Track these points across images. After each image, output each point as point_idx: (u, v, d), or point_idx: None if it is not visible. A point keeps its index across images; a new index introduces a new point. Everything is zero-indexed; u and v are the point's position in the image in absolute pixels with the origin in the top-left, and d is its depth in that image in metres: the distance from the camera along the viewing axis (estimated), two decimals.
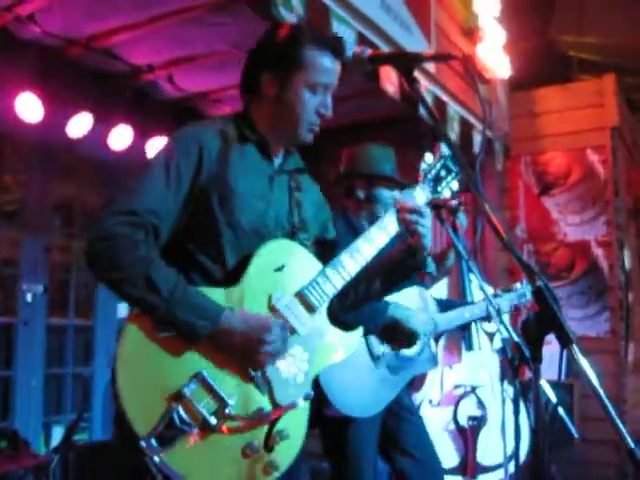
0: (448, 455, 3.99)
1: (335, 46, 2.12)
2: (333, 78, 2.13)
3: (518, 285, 3.51)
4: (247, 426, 1.90)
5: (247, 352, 1.92)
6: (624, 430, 1.49)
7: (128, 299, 1.87)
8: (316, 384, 2.86)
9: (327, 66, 2.10)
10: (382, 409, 3.04)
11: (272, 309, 2.00)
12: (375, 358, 3.04)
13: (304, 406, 2.03)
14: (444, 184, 2.32)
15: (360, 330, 2.23)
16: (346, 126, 4.92)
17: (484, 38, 5.56)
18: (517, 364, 2.82)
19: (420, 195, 2.26)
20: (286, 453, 1.97)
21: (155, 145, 5.50)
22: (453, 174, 2.32)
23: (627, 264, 6.32)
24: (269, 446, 1.91)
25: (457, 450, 4.02)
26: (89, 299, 6.05)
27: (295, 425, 2.00)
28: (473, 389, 4.05)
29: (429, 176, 2.30)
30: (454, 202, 3.45)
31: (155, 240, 1.94)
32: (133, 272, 1.83)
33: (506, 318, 3.16)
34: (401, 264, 2.26)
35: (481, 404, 4.04)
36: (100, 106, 5.07)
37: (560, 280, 6.19)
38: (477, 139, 5.57)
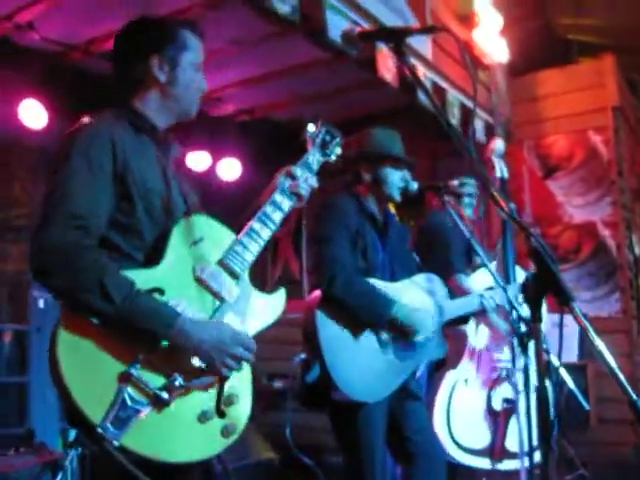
0: (478, 437, 3.97)
1: (199, 27, 2.26)
2: (202, 57, 2.28)
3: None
4: (196, 388, 1.95)
5: (211, 360, 1.95)
6: (627, 385, 1.51)
7: (81, 307, 1.84)
8: (323, 367, 2.90)
9: (200, 46, 2.25)
10: (389, 394, 3.05)
11: (198, 279, 2.03)
12: (382, 344, 3.05)
13: (247, 368, 2.10)
14: (331, 147, 2.44)
15: (283, 292, 2.27)
16: (346, 119, 4.95)
17: (480, 23, 5.58)
18: (527, 341, 2.86)
19: (312, 160, 2.39)
20: (239, 415, 2.04)
21: None
22: (337, 139, 2.45)
23: (635, 244, 6.31)
24: (220, 411, 1.98)
25: (488, 432, 3.99)
26: None
27: (241, 387, 2.07)
28: (510, 373, 4.03)
29: (317, 141, 2.42)
30: (455, 184, 3.46)
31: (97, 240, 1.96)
32: (84, 281, 1.83)
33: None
34: None
35: (517, 389, 4.02)
36: (103, 110, 5.10)
37: (568, 262, 6.19)
38: (478, 124, 5.58)
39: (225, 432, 1.99)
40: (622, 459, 5.64)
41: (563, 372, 3.41)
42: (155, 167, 2.14)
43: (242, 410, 2.06)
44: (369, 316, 2.99)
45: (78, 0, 4.04)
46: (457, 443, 3.90)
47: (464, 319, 3.49)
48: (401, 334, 3.04)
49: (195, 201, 2.31)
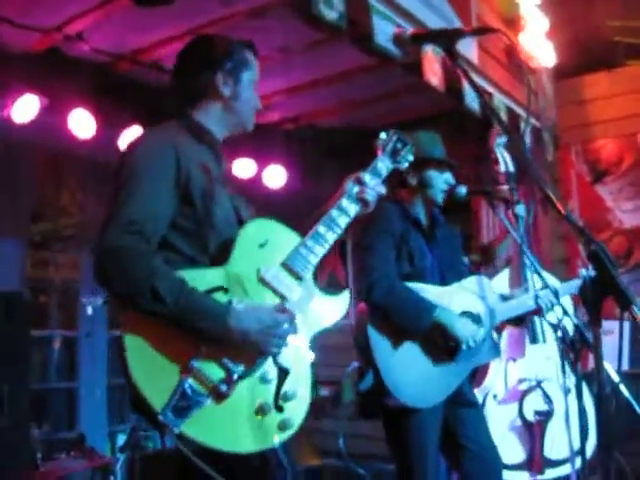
0: (514, 451, 3.92)
1: (255, 47, 2.39)
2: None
3: (582, 271, 3.38)
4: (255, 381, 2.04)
5: (259, 345, 2.03)
6: None
7: (139, 310, 1.95)
8: (376, 374, 2.89)
9: (257, 65, 2.39)
10: (444, 400, 3.02)
11: (261, 280, 2.12)
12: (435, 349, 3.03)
13: (307, 367, 2.16)
14: (402, 155, 2.46)
15: (347, 294, 2.32)
16: (392, 125, 4.92)
17: (526, 27, 5.52)
18: (579, 348, 2.79)
19: (382, 167, 2.42)
20: (296, 412, 2.09)
21: None
22: (408, 146, 2.46)
23: None
24: (278, 406, 2.04)
25: (523, 446, 3.93)
26: None
27: (301, 385, 2.13)
28: (539, 383, 3.96)
29: (387, 149, 2.45)
30: (505, 189, 3.41)
31: (155, 244, 2.06)
32: (138, 285, 1.93)
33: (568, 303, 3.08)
34: None
35: (547, 398, 3.94)
36: (151, 119, 5.16)
37: (619, 268, 6.08)
38: (525, 129, 5.51)
39: (282, 426, 2.05)
40: None
41: (615, 378, 3.33)
42: (215, 181, 2.21)
43: (299, 407, 2.11)
44: (410, 321, 2.98)
45: (127, 11, 4.08)
46: None
47: (519, 319, 3.44)
48: (445, 341, 3.01)
49: (250, 207, 2.41)
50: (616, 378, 3.38)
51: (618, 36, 6.87)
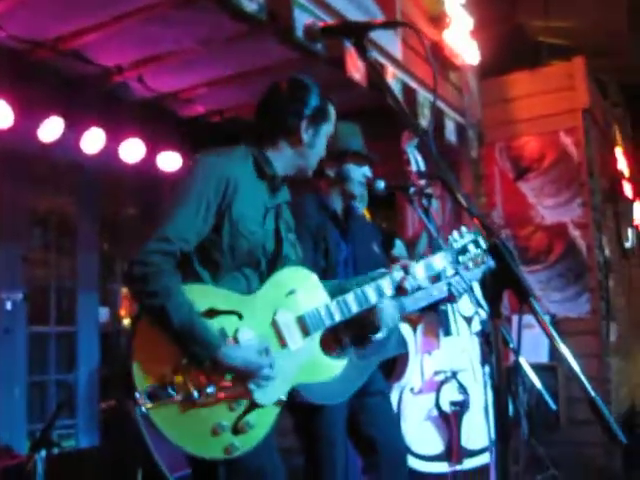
0: (433, 442, 3.98)
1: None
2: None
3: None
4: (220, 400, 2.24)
5: (243, 376, 2.26)
6: (586, 382, 1.50)
7: (151, 315, 2.21)
8: None
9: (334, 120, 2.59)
10: (351, 395, 3.02)
11: (273, 322, 2.36)
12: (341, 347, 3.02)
13: (274, 408, 2.35)
14: (468, 256, 2.65)
15: (345, 361, 2.55)
16: None
17: (451, 25, 5.59)
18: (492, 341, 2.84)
19: (440, 261, 2.65)
20: (247, 440, 2.26)
21: (128, 148, 5.47)
22: (481, 251, 2.63)
23: (605, 245, 6.36)
24: (237, 429, 2.24)
25: (441, 436, 4.00)
26: (70, 306, 6.03)
27: (262, 421, 2.31)
28: (454, 374, 4.03)
29: (455, 245, 2.66)
30: (423, 184, 3.43)
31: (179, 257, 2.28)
32: (153, 301, 2.16)
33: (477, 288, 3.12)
34: None
35: (463, 389, 4.01)
36: (71, 109, 5.04)
37: (539, 264, 6.23)
38: (449, 125, 5.59)
39: (228, 449, 2.23)
40: (592, 459, 5.68)
41: (531, 372, 3.40)
42: (259, 213, 2.41)
43: (251, 439, 2.28)
44: None
45: None
46: (413, 453, 3.90)
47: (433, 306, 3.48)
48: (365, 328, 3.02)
49: (297, 246, 2.64)
50: (531, 372, 3.44)
51: (541, 36, 7.04)
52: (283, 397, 2.37)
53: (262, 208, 2.43)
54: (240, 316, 2.29)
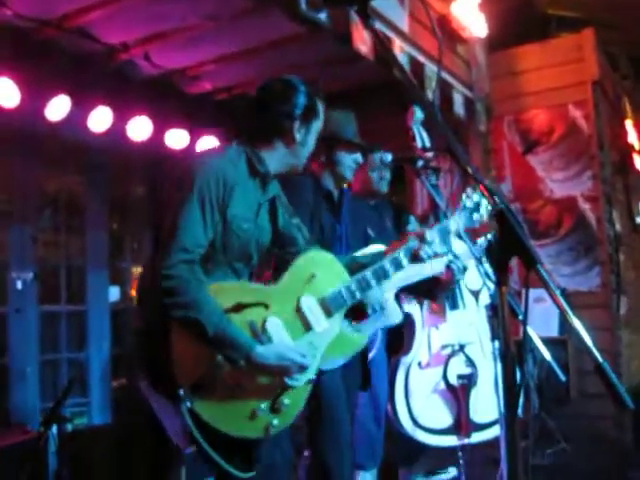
0: (441, 415, 3.99)
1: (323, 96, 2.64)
2: None
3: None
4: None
5: (277, 372, 2.41)
6: (595, 350, 1.50)
7: (185, 325, 2.31)
8: None
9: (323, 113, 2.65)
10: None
11: (297, 308, 2.50)
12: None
13: (306, 387, 2.51)
14: (481, 214, 2.71)
15: (366, 335, 2.70)
16: (327, 95, 4.89)
17: None
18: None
19: (454, 222, 2.71)
20: (284, 419, 2.47)
21: (135, 126, 5.45)
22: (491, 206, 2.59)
23: (615, 218, 6.31)
24: (275, 409, 2.42)
25: (449, 410, 4.01)
26: (80, 285, 6.05)
27: (296, 399, 2.50)
28: (461, 347, 4.03)
29: (468, 204, 2.72)
30: (429, 156, 3.42)
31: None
32: (187, 314, 2.28)
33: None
34: None
35: (470, 362, 4.01)
36: (78, 88, 5.03)
37: (549, 237, 6.20)
38: (457, 98, 5.54)
39: (268, 427, 2.42)
40: (603, 432, 5.69)
41: (541, 345, 3.39)
42: (251, 211, 2.52)
43: (286, 418, 2.48)
44: None
45: None
46: (421, 426, 3.91)
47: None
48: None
49: (303, 229, 2.75)
50: (541, 345, 3.44)
51: (549, 8, 6.95)
52: (313, 377, 2.53)
53: (255, 205, 2.54)
54: (266, 306, 2.43)
